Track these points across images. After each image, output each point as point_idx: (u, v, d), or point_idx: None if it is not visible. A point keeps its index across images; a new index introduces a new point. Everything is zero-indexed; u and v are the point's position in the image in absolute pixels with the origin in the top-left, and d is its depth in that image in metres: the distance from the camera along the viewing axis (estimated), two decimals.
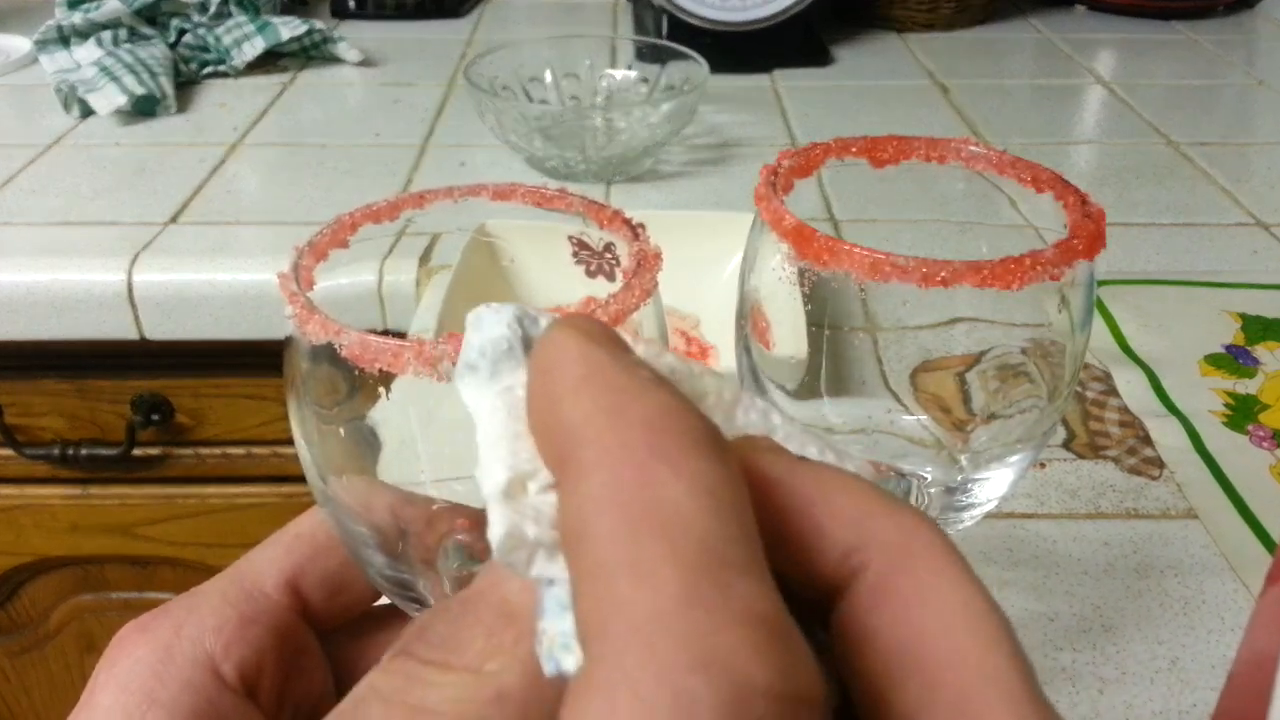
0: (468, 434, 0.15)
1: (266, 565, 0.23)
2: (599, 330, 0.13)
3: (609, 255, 0.25)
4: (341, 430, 0.22)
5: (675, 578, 0.11)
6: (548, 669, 0.13)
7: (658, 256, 0.21)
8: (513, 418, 0.14)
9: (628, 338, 0.15)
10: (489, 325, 0.15)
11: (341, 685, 0.24)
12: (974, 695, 0.12)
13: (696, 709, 0.10)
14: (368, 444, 0.22)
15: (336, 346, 0.19)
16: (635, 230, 0.22)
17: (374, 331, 0.19)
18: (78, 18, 0.89)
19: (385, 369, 0.18)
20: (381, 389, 0.20)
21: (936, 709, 0.12)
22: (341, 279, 0.23)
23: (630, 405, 0.12)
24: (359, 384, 0.20)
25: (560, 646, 0.12)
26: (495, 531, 0.13)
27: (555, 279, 0.28)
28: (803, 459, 0.14)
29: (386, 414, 0.21)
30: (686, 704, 0.10)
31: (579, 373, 0.13)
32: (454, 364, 0.17)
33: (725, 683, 0.10)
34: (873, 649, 0.12)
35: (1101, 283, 0.61)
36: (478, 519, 0.22)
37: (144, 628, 0.22)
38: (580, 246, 0.26)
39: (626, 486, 0.12)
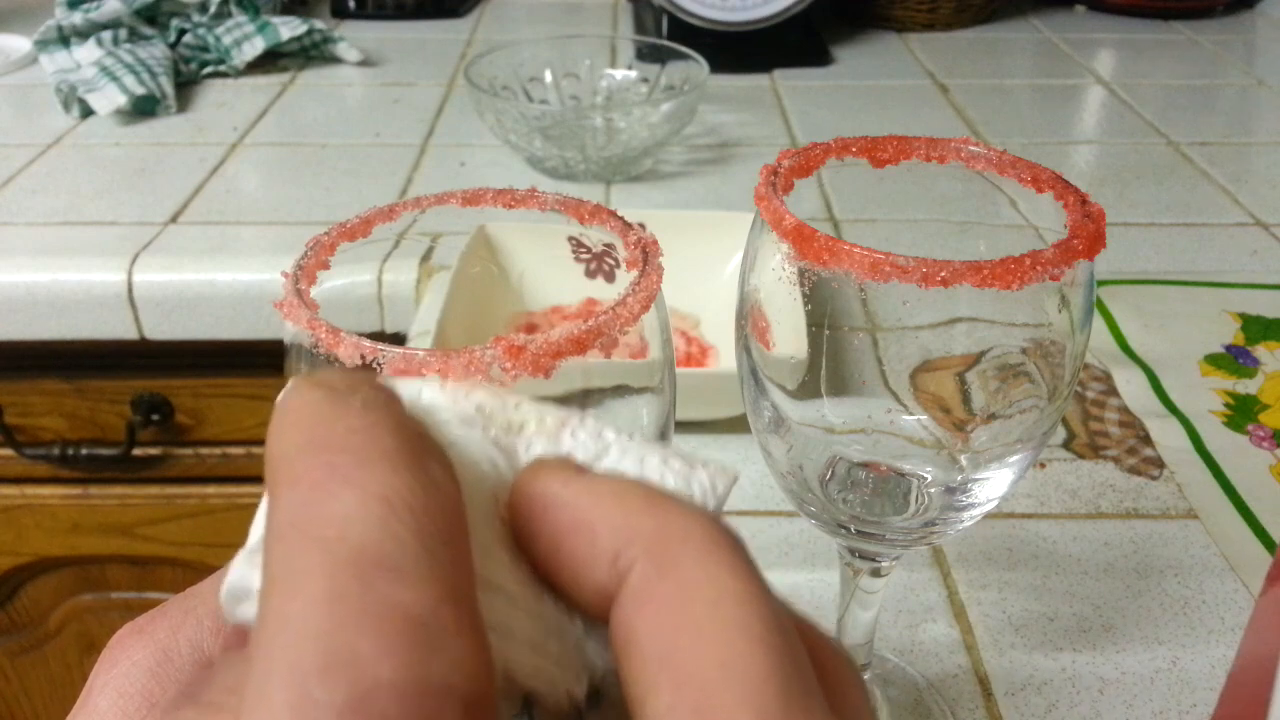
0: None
1: None
2: (336, 378, 0.14)
3: (608, 256, 0.25)
4: None
5: (321, 584, 0.11)
6: None
7: (656, 242, 0.22)
8: None
9: (435, 381, 0.15)
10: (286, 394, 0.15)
11: None
12: (715, 694, 0.11)
13: (318, 713, 0.10)
14: None
15: (378, 366, 0.19)
16: (625, 222, 0.23)
17: (374, 335, 0.19)
18: (78, 18, 0.89)
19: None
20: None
21: (680, 711, 0.11)
22: (340, 280, 0.23)
23: (326, 434, 0.12)
24: None
25: None
26: (223, 587, 0.13)
27: (555, 280, 0.28)
28: (584, 474, 0.14)
29: None
30: (307, 707, 0.10)
31: (292, 414, 0.13)
32: (504, 369, 0.18)
33: (347, 682, 0.10)
34: (633, 653, 0.12)
35: (1101, 283, 0.61)
36: None
37: (140, 630, 0.22)
38: (579, 247, 0.26)
39: (298, 506, 0.12)
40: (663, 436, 0.24)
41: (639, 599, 0.12)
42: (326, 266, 0.23)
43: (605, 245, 0.24)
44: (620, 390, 0.23)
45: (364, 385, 0.14)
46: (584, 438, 0.15)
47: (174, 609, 0.22)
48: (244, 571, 0.13)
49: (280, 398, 0.14)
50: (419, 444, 0.13)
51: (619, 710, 0.13)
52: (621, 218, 0.23)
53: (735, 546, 0.13)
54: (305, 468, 0.12)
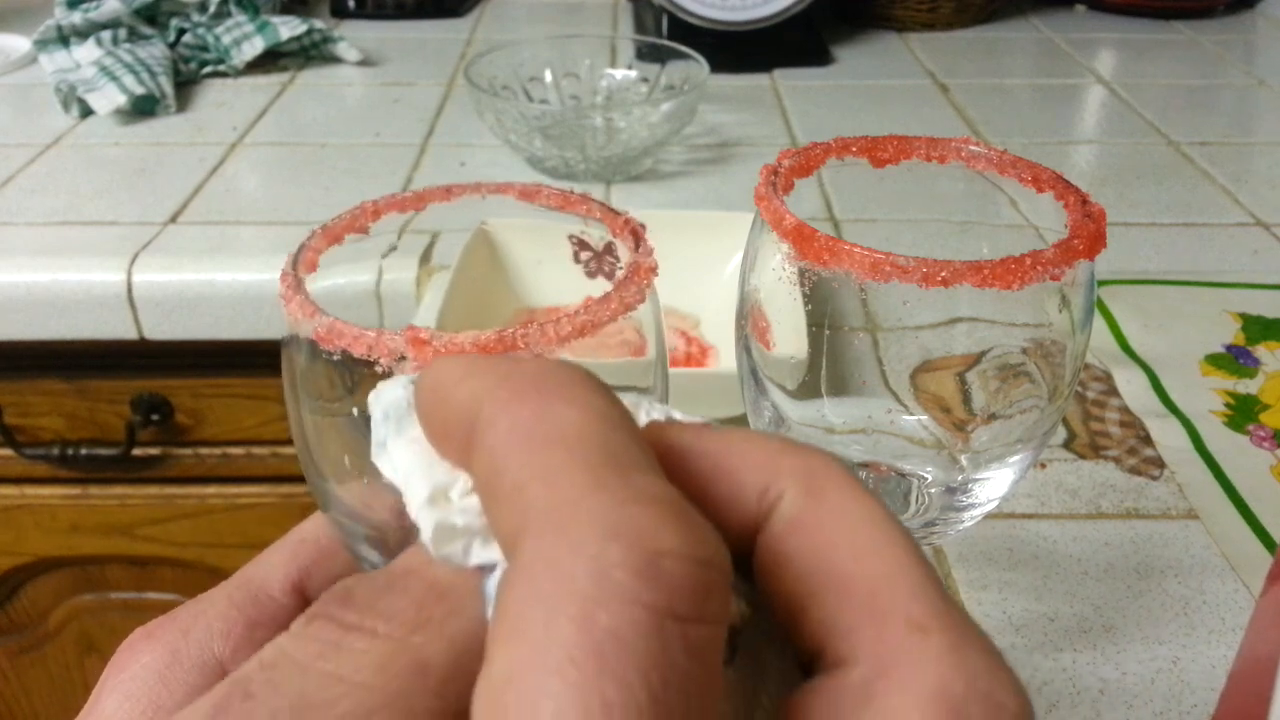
0: None
1: (273, 569, 0.23)
2: (473, 353, 0.15)
3: (609, 256, 0.25)
4: (338, 427, 0.22)
5: (580, 473, 0.12)
6: None
7: (651, 270, 0.21)
8: (423, 455, 0.15)
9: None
10: (387, 392, 0.16)
11: None
12: (883, 590, 0.13)
13: (612, 571, 0.11)
14: (364, 441, 0.22)
15: (311, 329, 0.19)
16: (638, 240, 0.22)
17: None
18: (77, 17, 0.88)
19: (348, 352, 0.19)
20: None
21: (850, 609, 0.13)
22: (339, 279, 0.23)
23: (514, 372, 0.14)
24: (356, 380, 0.20)
25: None
26: (425, 530, 0.14)
27: (555, 279, 0.28)
28: (711, 427, 0.15)
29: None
30: (602, 567, 0.11)
31: (461, 369, 0.14)
32: (409, 357, 0.18)
33: (636, 546, 0.11)
34: (789, 570, 0.13)
35: (1102, 283, 0.61)
36: None
37: (150, 634, 0.21)
38: (580, 246, 0.26)
39: (525, 421, 0.13)
40: None
41: (792, 524, 0.13)
42: (365, 231, 0.23)
43: (606, 244, 0.24)
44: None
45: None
46: (657, 415, 0.16)
47: (184, 613, 0.22)
48: (440, 515, 0.14)
49: (426, 374, 0.14)
50: (598, 378, 0.14)
51: (754, 660, 0.14)
52: (637, 235, 0.22)
53: (861, 481, 0.14)
54: (512, 392, 0.13)
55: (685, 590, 0.11)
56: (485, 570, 0.14)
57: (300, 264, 0.21)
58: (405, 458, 0.15)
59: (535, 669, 0.11)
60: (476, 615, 0.13)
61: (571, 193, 0.24)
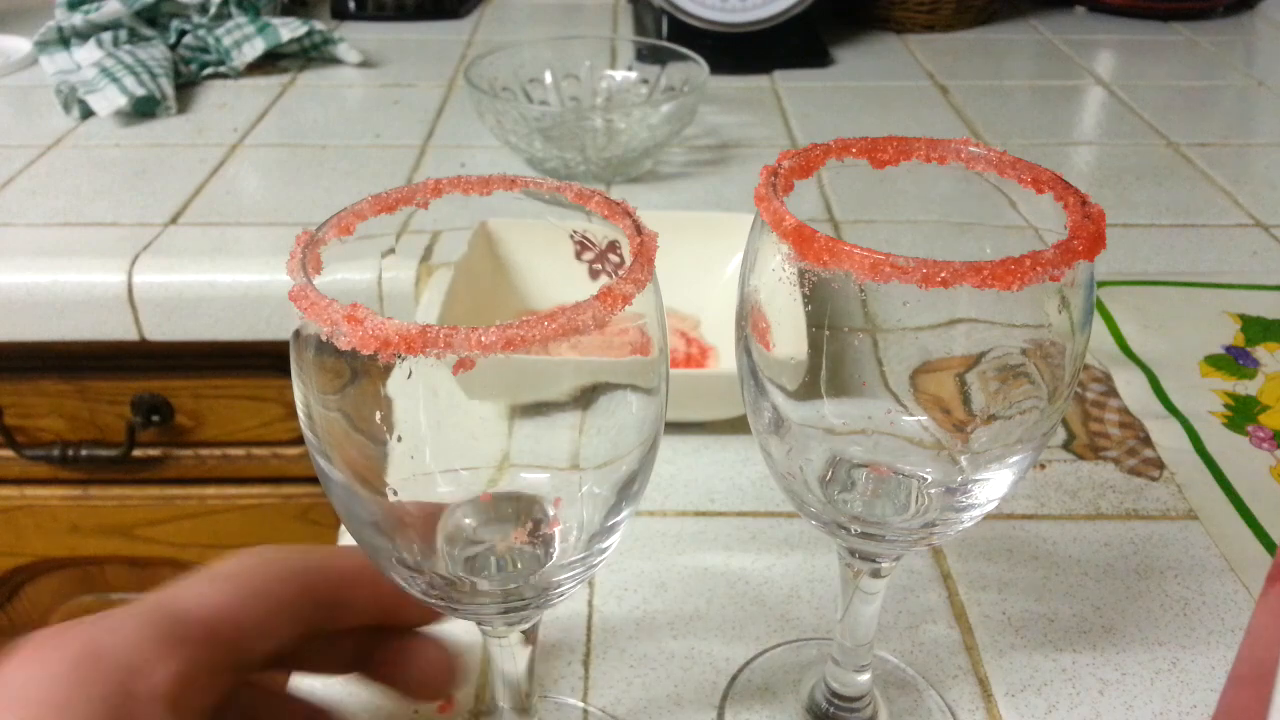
0: (473, 424, 0.15)
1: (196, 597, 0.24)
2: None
3: (612, 252, 0.25)
4: (345, 416, 0.22)
5: None
6: None
7: (653, 239, 0.22)
8: None
9: None
10: None
11: None
12: None
13: None
14: (372, 431, 0.22)
15: (302, 298, 0.20)
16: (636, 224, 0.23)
17: None
18: (78, 19, 0.89)
19: (330, 329, 0.20)
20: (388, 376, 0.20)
21: None
22: (338, 274, 0.23)
23: None
24: (362, 370, 0.20)
25: None
26: None
27: (557, 277, 0.28)
28: None
29: (394, 402, 0.21)
30: None
31: None
32: (346, 332, 0.19)
33: None
34: None
35: (1101, 283, 0.61)
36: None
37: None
38: (583, 246, 0.26)
39: None
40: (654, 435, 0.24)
41: None
42: (392, 209, 0.24)
43: (610, 241, 0.24)
44: (619, 387, 0.23)
45: None
46: None
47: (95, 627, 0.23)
48: None
49: None
50: None
51: None
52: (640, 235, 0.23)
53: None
54: None
55: None
56: None
57: (321, 236, 0.22)
58: None
59: None
60: None
61: (620, 203, 0.24)
